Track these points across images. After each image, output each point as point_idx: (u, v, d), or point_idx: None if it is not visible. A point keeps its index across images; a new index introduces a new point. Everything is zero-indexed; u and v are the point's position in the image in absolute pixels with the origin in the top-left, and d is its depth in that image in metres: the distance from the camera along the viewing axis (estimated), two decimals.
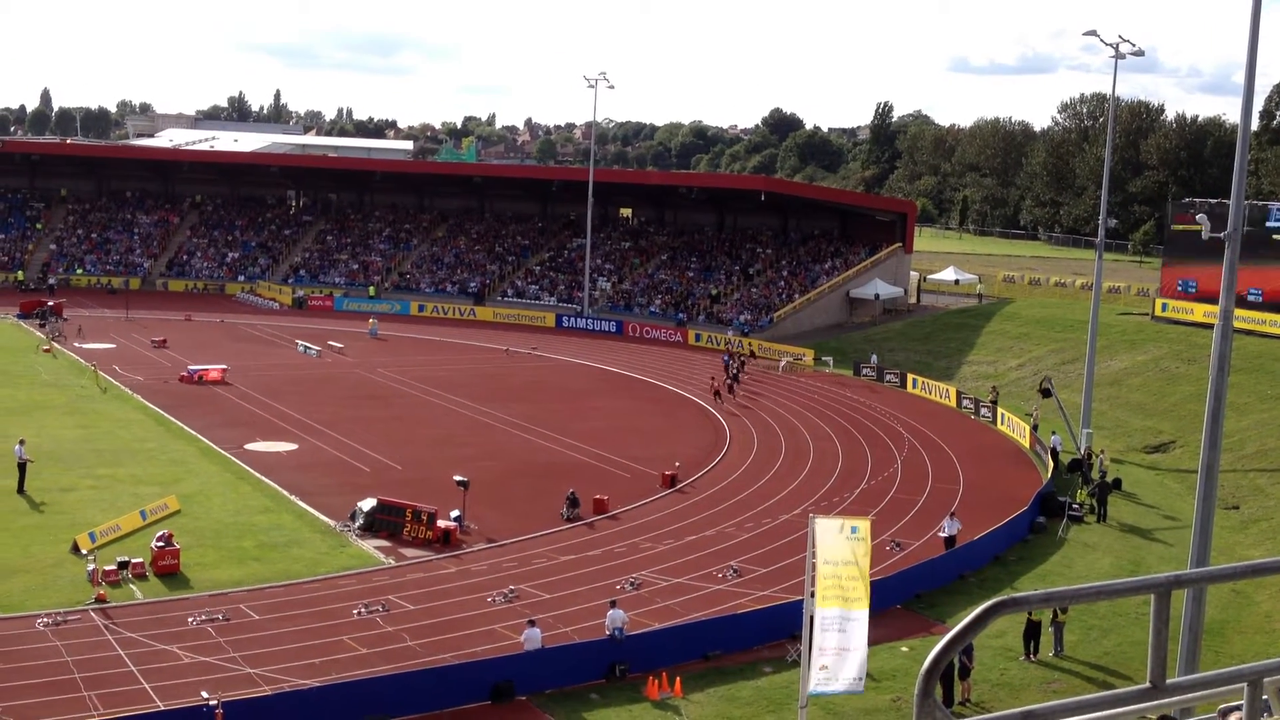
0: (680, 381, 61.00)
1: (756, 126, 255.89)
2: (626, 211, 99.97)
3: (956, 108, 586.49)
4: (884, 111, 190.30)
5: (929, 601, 30.33)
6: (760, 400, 56.61)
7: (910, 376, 61.46)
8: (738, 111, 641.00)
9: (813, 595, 21.98)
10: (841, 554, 21.66)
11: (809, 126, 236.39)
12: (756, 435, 48.98)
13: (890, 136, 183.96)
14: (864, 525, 22.13)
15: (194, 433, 44.20)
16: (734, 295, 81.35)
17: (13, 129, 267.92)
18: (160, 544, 29.61)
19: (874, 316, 77.30)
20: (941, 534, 33.82)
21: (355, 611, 27.43)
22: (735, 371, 60.42)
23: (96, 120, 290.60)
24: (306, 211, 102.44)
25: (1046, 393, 47.86)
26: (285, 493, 36.87)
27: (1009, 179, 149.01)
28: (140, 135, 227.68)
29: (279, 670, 24.18)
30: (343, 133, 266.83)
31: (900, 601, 29.95)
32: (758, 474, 42.55)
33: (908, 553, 33.57)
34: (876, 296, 77.43)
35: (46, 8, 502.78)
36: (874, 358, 65.70)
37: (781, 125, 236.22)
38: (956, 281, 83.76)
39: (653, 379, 61.70)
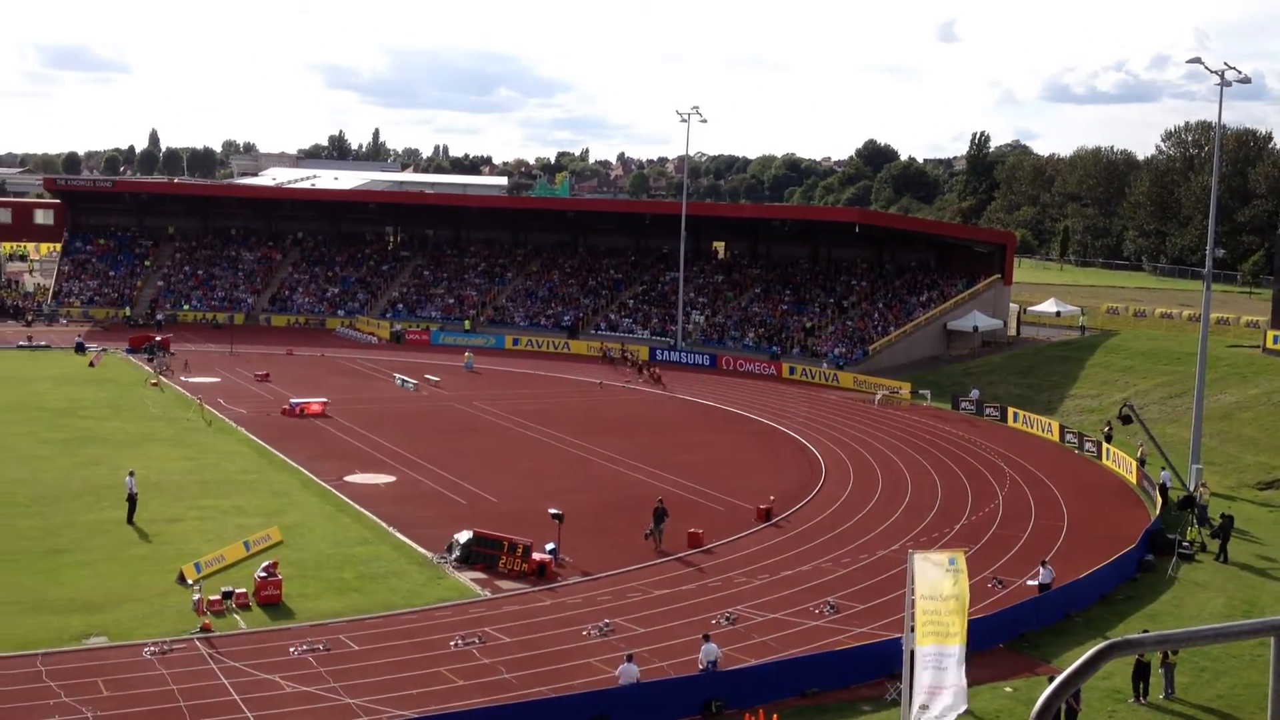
0: (774, 415, 60.61)
1: (850, 158, 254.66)
2: (719, 244, 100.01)
3: (1055, 137, 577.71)
4: (981, 141, 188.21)
5: (1033, 641, 29.59)
6: (855, 434, 56.02)
7: (1011, 410, 60.35)
8: (831, 143, 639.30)
9: (912, 632, 21.61)
10: (940, 589, 21.27)
11: (904, 158, 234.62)
12: (852, 469, 48.42)
13: (988, 167, 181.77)
14: (960, 556, 21.74)
15: (295, 465, 44.94)
16: (828, 328, 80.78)
17: (122, 169, 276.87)
18: (263, 574, 30.07)
19: (973, 349, 76.16)
20: (1033, 581, 32.75)
21: (452, 643, 27.56)
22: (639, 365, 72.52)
23: (202, 160, 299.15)
24: (404, 247, 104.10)
25: (1126, 419, 46.65)
26: (384, 524, 37.26)
27: (1111, 209, 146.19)
28: (244, 174, 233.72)
29: (378, 701, 24.36)
30: (439, 170, 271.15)
31: (1004, 641, 29.25)
32: (854, 509, 42.03)
33: (1010, 590, 32.82)
34: (975, 329, 76.30)
35: (155, 53, 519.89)
36: (974, 391, 64.64)
37: (876, 157, 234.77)
38: (1058, 313, 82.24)
39: (746, 412, 61.39)
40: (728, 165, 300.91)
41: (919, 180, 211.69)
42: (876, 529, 39.31)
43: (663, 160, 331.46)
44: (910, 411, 62.88)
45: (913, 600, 21.55)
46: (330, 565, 33.00)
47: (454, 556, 33.86)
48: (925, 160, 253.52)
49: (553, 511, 35.68)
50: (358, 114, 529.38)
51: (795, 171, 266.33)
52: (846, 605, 31.35)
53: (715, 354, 78.57)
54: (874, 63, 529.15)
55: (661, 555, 35.42)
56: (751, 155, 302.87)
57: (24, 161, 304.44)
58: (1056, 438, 55.85)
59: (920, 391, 65.94)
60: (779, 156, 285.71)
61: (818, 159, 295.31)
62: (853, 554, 36.32)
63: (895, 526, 39.73)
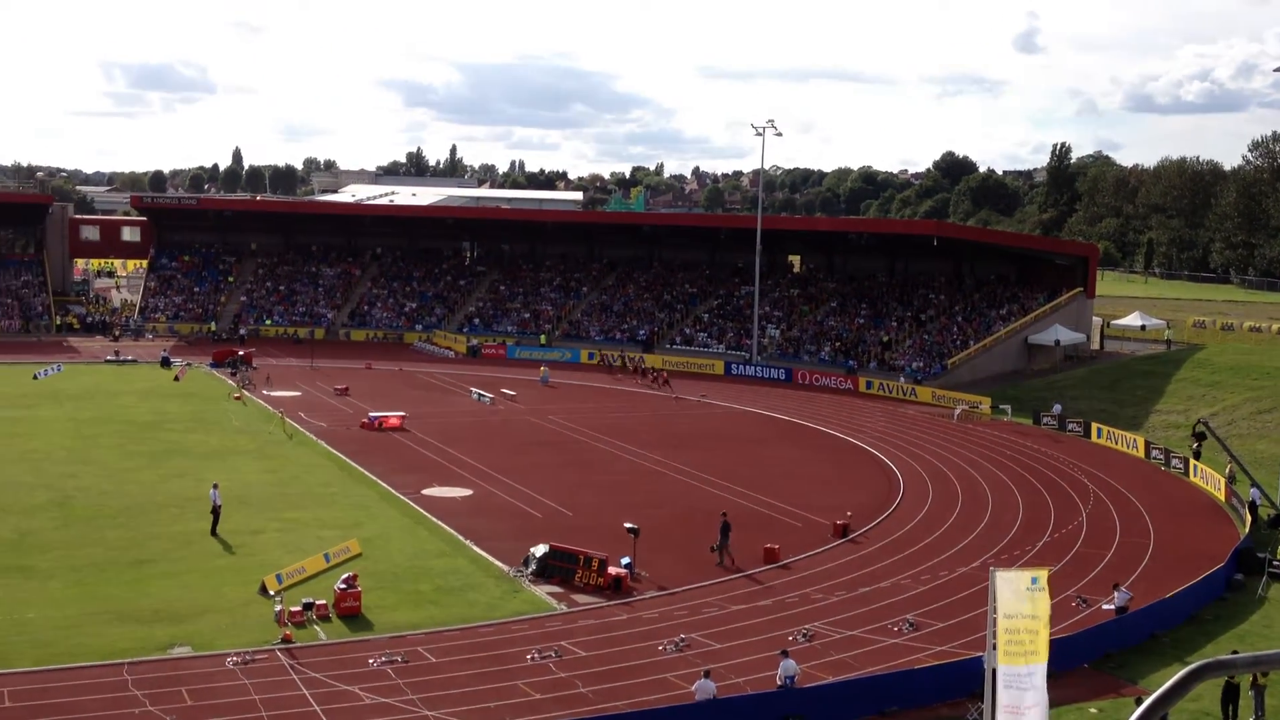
0: (851, 430, 60.09)
1: (928, 170, 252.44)
2: (795, 258, 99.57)
3: (1139, 148, 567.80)
4: (1062, 152, 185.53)
5: (1119, 661, 28.94)
6: (934, 449, 55.35)
7: (1094, 426, 59.25)
8: (908, 156, 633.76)
9: (993, 650, 21.23)
10: (1022, 607, 20.85)
11: (982, 170, 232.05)
12: (931, 485, 47.83)
13: (1069, 178, 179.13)
14: (1043, 575, 21.28)
15: (374, 477, 45.41)
16: (906, 342, 79.99)
17: (207, 187, 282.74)
18: (343, 586, 30.38)
19: (1054, 363, 74.96)
20: (1109, 605, 31.92)
21: (529, 656, 27.61)
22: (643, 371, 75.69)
23: (284, 177, 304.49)
24: (480, 262, 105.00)
25: (1201, 436, 45.47)
26: (461, 537, 37.49)
27: (1197, 220, 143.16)
28: (324, 191, 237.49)
29: (455, 713, 24.46)
30: (515, 185, 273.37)
31: (1089, 660, 28.64)
32: (933, 525, 41.48)
33: (1094, 609, 32.15)
34: (1057, 343, 75.10)
35: (238, 73, 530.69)
36: (1056, 406, 63.57)
37: (954, 169, 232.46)
38: (1143, 327, 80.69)
39: (823, 426, 60.95)
40: (803, 179, 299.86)
41: (998, 192, 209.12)
42: (956, 546, 38.75)
43: (738, 174, 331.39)
44: (990, 426, 62.01)
45: (994, 619, 21.15)
46: (408, 578, 33.25)
47: (530, 570, 33.96)
48: (1004, 172, 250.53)
49: (628, 526, 35.66)
50: (435, 131, 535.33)
51: (871, 184, 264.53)
52: (926, 623, 30.92)
53: (791, 368, 78.15)
54: (952, 74, 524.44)
55: (734, 570, 35.21)
56: (827, 168, 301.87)
57: (111, 180, 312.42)
58: (1142, 454, 54.71)
59: (1001, 406, 65.01)
60: (855, 169, 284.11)
61: (894, 171, 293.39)
62: (932, 571, 35.83)
63: (975, 543, 39.15)
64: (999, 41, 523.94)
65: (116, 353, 78.03)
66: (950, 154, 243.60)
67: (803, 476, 49.02)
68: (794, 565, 36.07)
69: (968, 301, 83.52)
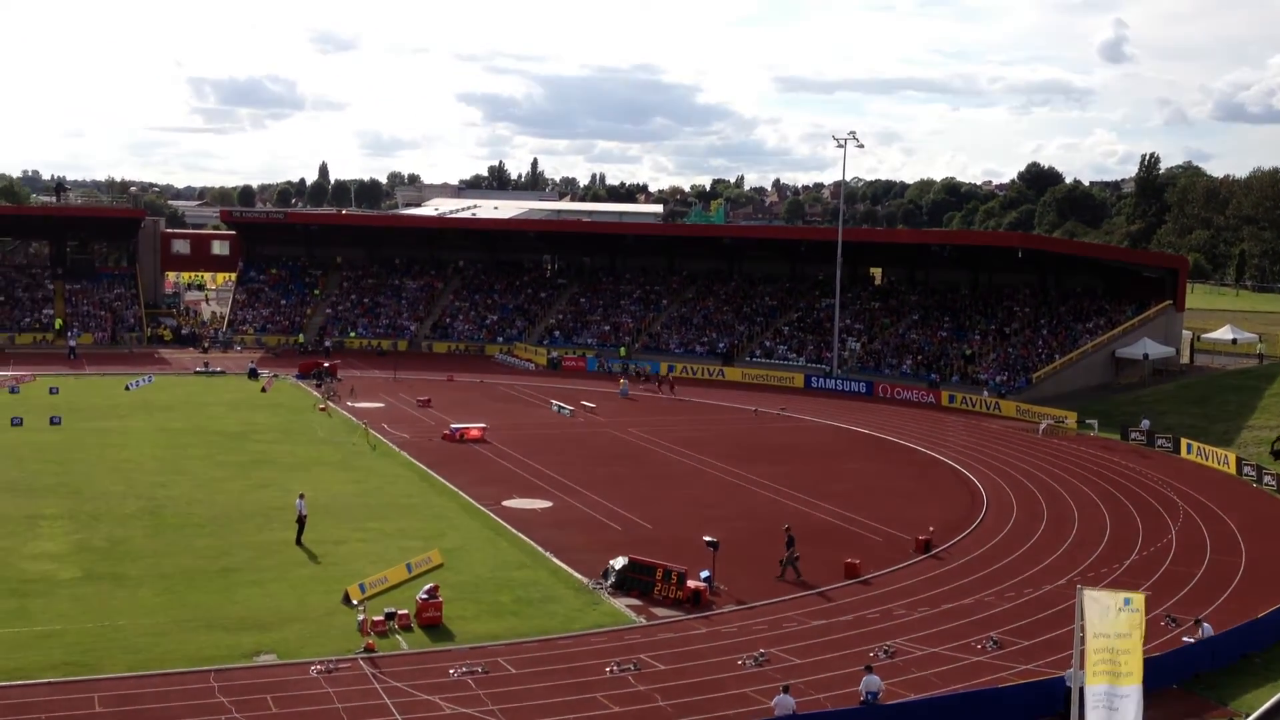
0: (933, 444, 59.41)
1: (1012, 182, 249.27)
2: (876, 271, 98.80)
3: (1230, 158, 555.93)
4: (1150, 163, 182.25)
5: (1209, 683, 28.22)
6: (1019, 464, 54.52)
7: (1184, 441, 57.96)
8: (992, 167, 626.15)
9: (1081, 670, 20.81)
10: (1114, 627, 20.44)
11: (1068, 181, 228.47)
12: (1015, 501, 47.10)
13: (1158, 189, 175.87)
14: (1138, 599, 20.84)
15: (455, 489, 45.80)
16: (989, 355, 78.94)
17: (294, 201, 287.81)
18: (425, 596, 30.66)
19: (1142, 377, 73.52)
20: (1191, 640, 30.80)
21: (608, 669, 27.63)
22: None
23: (369, 191, 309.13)
24: (561, 275, 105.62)
25: (1278, 454, 44.14)
26: (541, 549, 37.65)
27: None
28: (408, 205, 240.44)
29: None
30: (595, 198, 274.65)
31: (1177, 681, 27.97)
32: (1018, 541, 40.83)
33: (1184, 629, 31.40)
34: (1145, 357, 73.64)
35: (324, 89, 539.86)
36: (1144, 421, 62.30)
37: (1039, 180, 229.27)
38: (1234, 341, 78.87)
39: (904, 440, 60.33)
40: (885, 190, 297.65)
41: (1085, 204, 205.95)
42: (1042, 563, 38.11)
43: (818, 186, 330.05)
44: (1076, 441, 60.93)
45: (1081, 637, 20.77)
46: (489, 589, 33.47)
47: (609, 582, 34.00)
48: (1091, 183, 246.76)
49: (708, 539, 35.57)
50: (517, 145, 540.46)
51: (955, 196, 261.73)
52: (1010, 641, 30.43)
53: (872, 382, 77.50)
54: (1037, 84, 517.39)
55: (801, 585, 34.91)
56: (909, 180, 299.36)
57: (202, 195, 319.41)
58: (1233, 470, 53.39)
59: (1087, 421, 63.87)
60: (938, 181, 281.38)
61: (978, 183, 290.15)
62: (1016, 588, 35.27)
63: (1061, 560, 38.46)
64: (1086, 51, 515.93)
65: (205, 364, 79.64)
66: (1035, 165, 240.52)
67: (884, 491, 48.55)
68: (875, 580, 35.72)
69: (1053, 314, 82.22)
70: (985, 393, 72.64)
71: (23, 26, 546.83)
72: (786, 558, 35.89)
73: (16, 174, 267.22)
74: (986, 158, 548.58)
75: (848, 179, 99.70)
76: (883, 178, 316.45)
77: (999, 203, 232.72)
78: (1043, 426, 63.54)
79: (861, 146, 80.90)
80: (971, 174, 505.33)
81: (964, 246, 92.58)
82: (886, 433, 62.62)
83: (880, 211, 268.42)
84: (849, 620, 32.00)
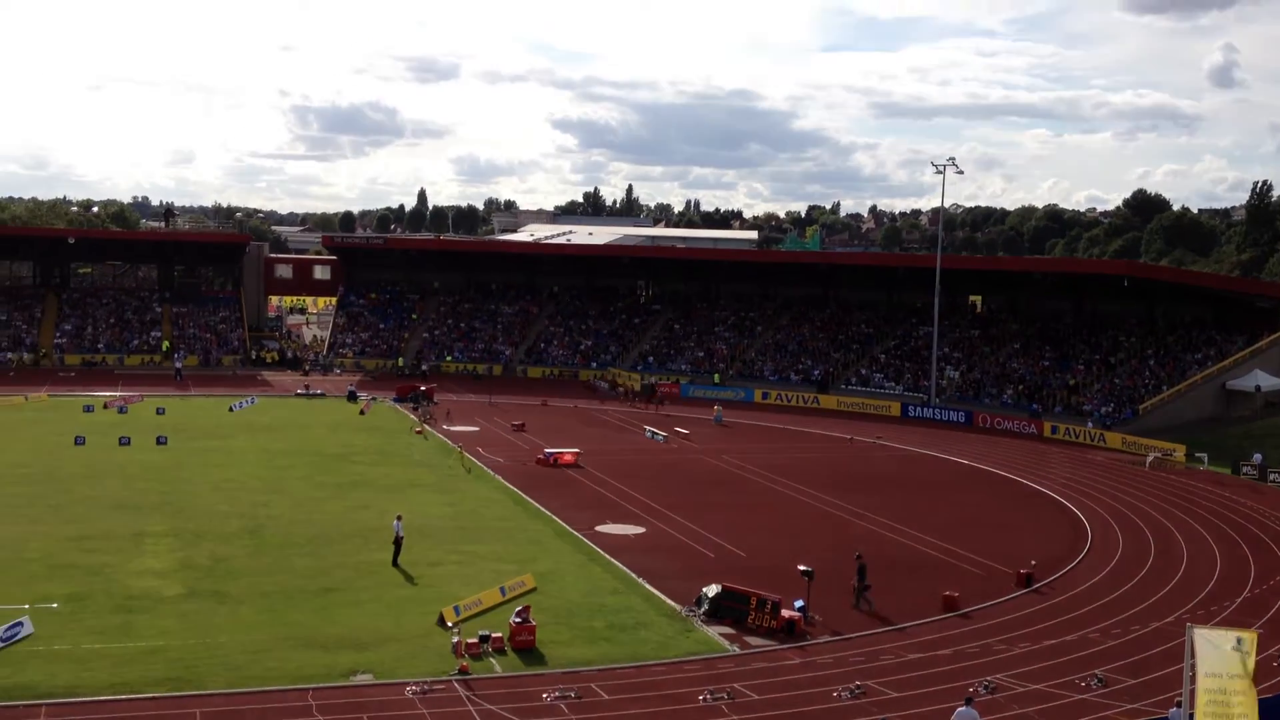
0: (1035, 475, 58.18)
1: (1117, 209, 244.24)
2: (976, 298, 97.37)
3: None
4: (1262, 191, 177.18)
5: None
6: (1124, 498, 53.13)
7: None
8: (1096, 193, 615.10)
9: (1191, 714, 20.08)
10: (1226, 667, 19.72)
11: (1176, 208, 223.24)
12: (1121, 535, 45.86)
13: (1269, 217, 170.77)
14: (1250, 638, 20.09)
15: (549, 513, 45.92)
16: (1094, 385, 77.22)
17: (393, 227, 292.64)
18: (518, 620, 30.68)
19: (1255, 410, 71.30)
20: None
21: (701, 698, 27.35)
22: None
23: (466, 217, 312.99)
24: (655, 301, 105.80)
25: None
26: (634, 575, 37.51)
27: None
28: (504, 231, 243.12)
29: None
30: (690, 224, 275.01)
31: None
32: (1123, 577, 39.71)
33: None
34: (1257, 389, 71.44)
35: (424, 117, 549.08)
36: (1256, 456, 60.36)
37: (1145, 207, 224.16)
38: None
39: (1005, 472, 59.17)
40: (984, 217, 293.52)
41: (1193, 232, 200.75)
42: (1148, 599, 37.00)
43: (916, 213, 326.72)
44: (1185, 475, 59.25)
45: (1191, 676, 20.06)
46: (581, 614, 33.41)
47: (702, 610, 33.74)
48: (1200, 210, 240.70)
49: (802, 568, 35.14)
50: (612, 171, 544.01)
51: (1057, 223, 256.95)
52: (1116, 679, 29.53)
53: (971, 411, 76.27)
54: (1144, 109, 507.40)
55: (875, 614, 34.25)
56: (1010, 207, 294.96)
57: (304, 221, 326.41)
58: None
59: (1196, 454, 62.09)
60: (1039, 208, 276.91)
61: (1082, 210, 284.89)
62: (1122, 625, 34.27)
63: (1169, 597, 37.31)
64: (1194, 76, 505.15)
65: (306, 387, 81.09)
66: (1141, 192, 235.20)
67: (983, 523, 47.61)
68: (974, 614, 34.96)
69: (1160, 344, 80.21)
70: (1089, 424, 71.03)
71: (133, 57, 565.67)
72: (857, 586, 35.34)
73: (127, 200, 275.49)
74: (1090, 184, 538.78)
75: (946, 205, 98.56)
76: (982, 204, 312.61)
77: (1103, 230, 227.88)
78: (1150, 459, 61.90)
79: (961, 173, 79.88)
80: (1075, 201, 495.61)
81: (1067, 274, 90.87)
82: (986, 463, 61.50)
83: (980, 238, 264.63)
84: (948, 654, 31.33)
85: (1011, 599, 36.79)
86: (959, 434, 71.67)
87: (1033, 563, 39.85)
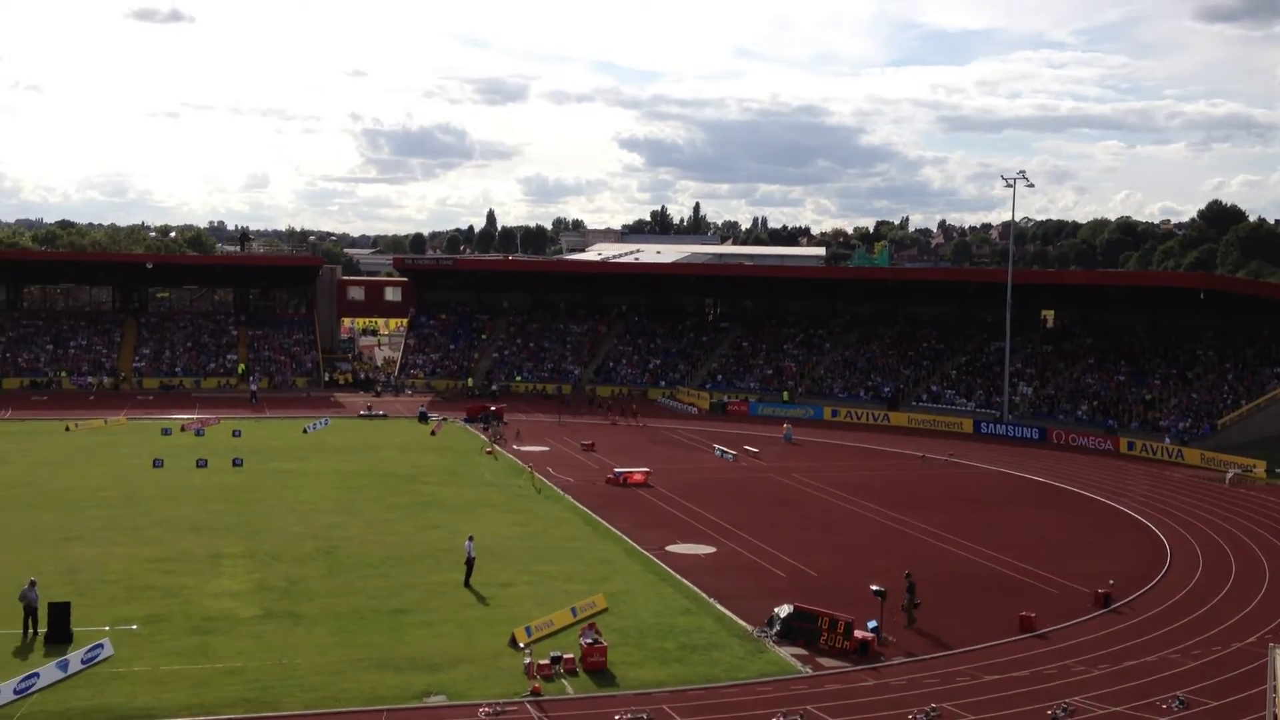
0: (1111, 493, 57.20)
1: (1192, 220, 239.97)
2: (1048, 313, 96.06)
3: None
4: None
5: None
6: (1204, 515, 52.04)
7: None
8: (1171, 205, 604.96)
9: None
10: None
11: (1253, 219, 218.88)
12: (1201, 554, 44.91)
13: None
14: None
15: (619, 533, 45.93)
16: (1170, 400, 75.80)
17: (462, 248, 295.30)
18: (589, 640, 30.72)
19: None
20: None
21: (774, 719, 27.18)
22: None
23: (534, 238, 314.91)
24: (723, 318, 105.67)
25: None
26: (704, 595, 37.39)
27: None
28: (572, 250, 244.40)
29: None
30: (757, 241, 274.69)
31: None
32: (1204, 596, 38.87)
33: None
34: None
35: (492, 138, 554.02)
36: None
37: (1221, 218, 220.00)
38: None
39: (1080, 489, 58.24)
40: (1056, 230, 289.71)
41: (1271, 243, 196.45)
42: (1230, 619, 36.17)
43: (986, 227, 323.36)
44: (1267, 492, 57.91)
45: (1275, 699, 19.63)
46: (652, 634, 33.36)
47: (774, 630, 33.54)
48: (1277, 221, 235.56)
49: (875, 588, 34.82)
50: (679, 189, 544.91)
51: (1131, 235, 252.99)
52: (1198, 701, 28.88)
53: (1045, 427, 75.21)
54: (1217, 118, 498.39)
55: (922, 633, 33.80)
56: (1082, 220, 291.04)
57: (375, 243, 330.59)
58: None
59: (1278, 470, 60.66)
60: (1112, 220, 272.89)
61: (1156, 222, 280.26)
62: (1203, 645, 33.53)
63: (1252, 617, 36.44)
64: (1270, 84, 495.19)
65: (369, 407, 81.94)
66: (1217, 203, 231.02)
67: (1059, 541, 46.87)
68: (1051, 635, 34.41)
69: (1239, 358, 78.58)
70: (1166, 440, 69.72)
71: (210, 85, 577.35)
72: (907, 603, 34.89)
73: (203, 224, 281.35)
74: (1164, 195, 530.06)
75: (1017, 219, 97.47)
76: (1054, 217, 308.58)
77: (1178, 242, 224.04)
78: (1230, 475, 60.61)
79: (1031, 186, 78.83)
80: (1148, 213, 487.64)
81: (1141, 288, 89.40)
82: (1061, 480, 60.58)
83: (1051, 252, 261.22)
84: (1024, 676, 30.85)
85: (1090, 619, 36.16)
86: (1033, 450, 70.70)
87: (1111, 582, 39.14)
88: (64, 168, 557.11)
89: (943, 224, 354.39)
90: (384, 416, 79.25)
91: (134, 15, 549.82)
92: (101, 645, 29.98)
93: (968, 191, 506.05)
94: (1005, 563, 42.77)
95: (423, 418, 77.50)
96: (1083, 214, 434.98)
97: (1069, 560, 43.27)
